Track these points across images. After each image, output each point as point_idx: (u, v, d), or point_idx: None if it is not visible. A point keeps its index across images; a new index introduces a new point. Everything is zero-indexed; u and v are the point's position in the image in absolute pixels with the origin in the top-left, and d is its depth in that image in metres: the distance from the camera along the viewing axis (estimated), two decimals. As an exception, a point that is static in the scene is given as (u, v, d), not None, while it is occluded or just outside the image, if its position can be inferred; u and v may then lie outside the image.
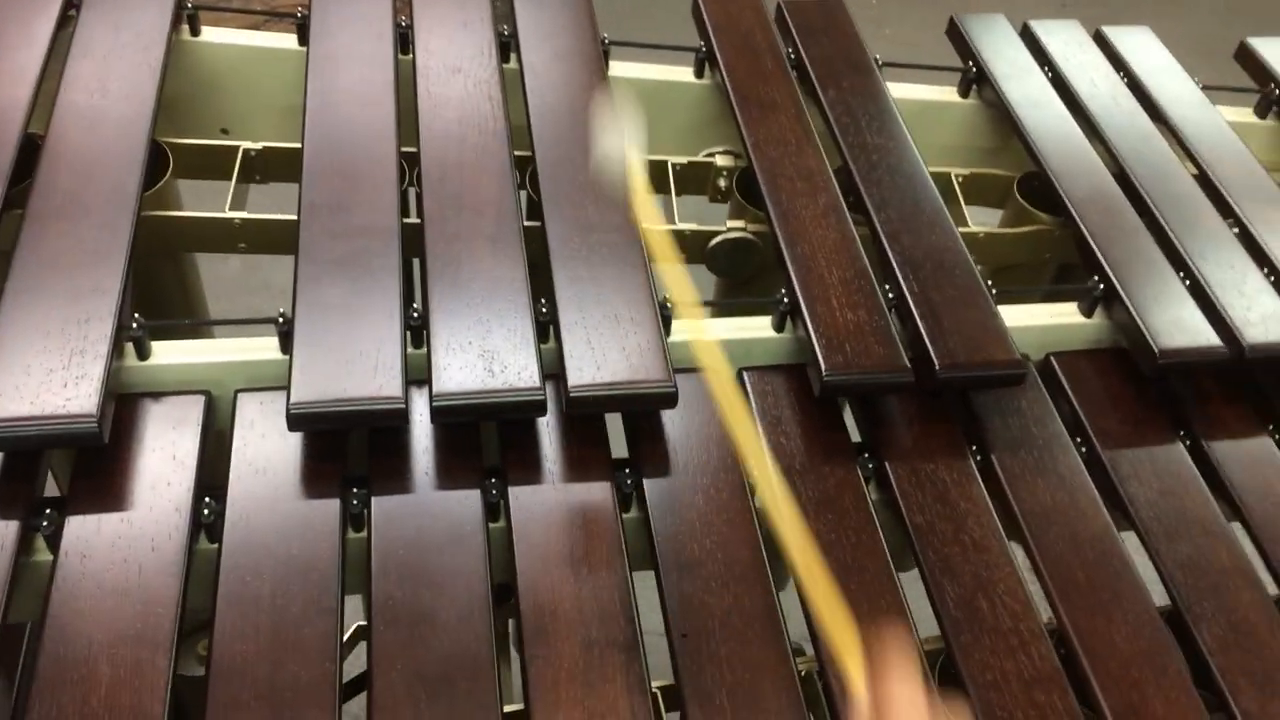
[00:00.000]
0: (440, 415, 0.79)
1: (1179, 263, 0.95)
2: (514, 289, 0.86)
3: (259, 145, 1.04)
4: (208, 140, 1.07)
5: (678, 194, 1.11)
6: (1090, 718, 0.73)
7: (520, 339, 0.82)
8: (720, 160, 1.09)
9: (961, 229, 1.07)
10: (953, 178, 1.10)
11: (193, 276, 1.12)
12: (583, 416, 0.84)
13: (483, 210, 0.92)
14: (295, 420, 0.76)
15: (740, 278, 1.08)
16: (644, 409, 0.84)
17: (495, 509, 0.79)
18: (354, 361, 0.79)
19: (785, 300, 0.89)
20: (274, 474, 0.79)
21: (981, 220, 1.13)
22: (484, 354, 0.81)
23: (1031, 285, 1.15)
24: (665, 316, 0.88)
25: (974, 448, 0.86)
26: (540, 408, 0.79)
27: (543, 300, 0.86)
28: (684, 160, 1.08)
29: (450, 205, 0.92)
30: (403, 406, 0.77)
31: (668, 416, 0.86)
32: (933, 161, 1.13)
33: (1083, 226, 0.97)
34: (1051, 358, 0.93)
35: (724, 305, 0.94)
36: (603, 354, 0.82)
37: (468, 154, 0.97)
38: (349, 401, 0.77)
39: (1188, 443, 0.89)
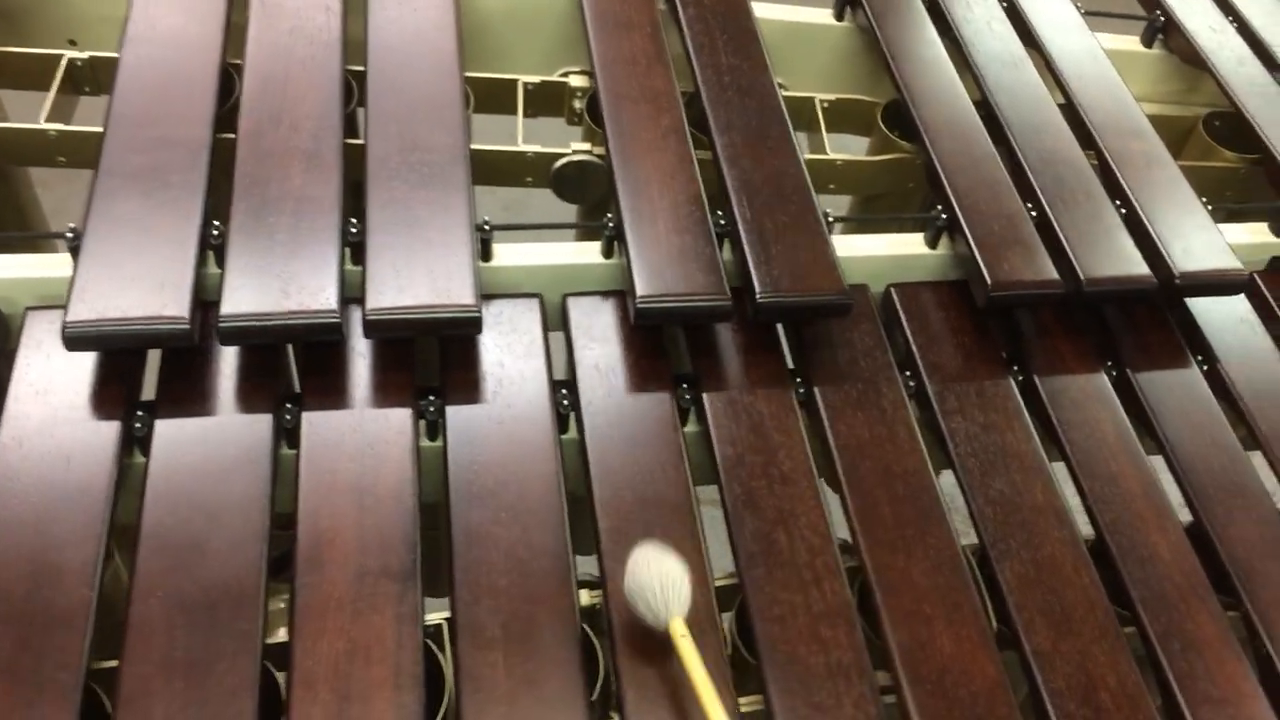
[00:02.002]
0: (227, 337, 0.76)
1: (1028, 193, 0.93)
2: (324, 209, 0.82)
3: (85, 55, 0.99)
4: (41, 49, 1.02)
5: (534, 115, 1.07)
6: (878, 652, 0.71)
7: (323, 260, 0.79)
8: (574, 81, 1.05)
9: (818, 156, 1.04)
10: (816, 103, 1.07)
11: (24, 192, 1.08)
12: (393, 342, 0.82)
13: (300, 126, 0.88)
14: (71, 340, 0.73)
15: (590, 203, 1.05)
16: (450, 334, 0.81)
17: (290, 435, 0.77)
18: (140, 279, 0.76)
19: (610, 225, 0.86)
20: (56, 396, 0.76)
21: (849, 148, 1.09)
22: (281, 275, 0.78)
23: (901, 215, 1.12)
24: (483, 240, 0.85)
25: (799, 380, 0.84)
26: (335, 330, 0.76)
27: (354, 221, 0.83)
28: (536, 80, 1.04)
29: (268, 120, 0.88)
30: (187, 328, 0.74)
31: (485, 344, 0.83)
32: (802, 87, 1.10)
33: (932, 153, 0.94)
34: (891, 289, 0.91)
35: (552, 228, 0.90)
36: (408, 277, 0.79)
37: (294, 67, 0.92)
38: (129, 321, 0.74)
39: (1020, 379, 0.87)
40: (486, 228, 0.84)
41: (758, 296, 0.82)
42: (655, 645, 0.68)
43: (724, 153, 0.92)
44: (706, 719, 0.62)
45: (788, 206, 0.88)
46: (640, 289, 0.81)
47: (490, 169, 0.99)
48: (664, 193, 0.88)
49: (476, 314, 0.78)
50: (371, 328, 0.77)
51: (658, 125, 0.93)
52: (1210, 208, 0.93)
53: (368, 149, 0.87)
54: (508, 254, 0.88)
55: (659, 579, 0.66)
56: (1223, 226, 0.98)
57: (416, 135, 0.89)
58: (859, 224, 1.09)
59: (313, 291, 0.77)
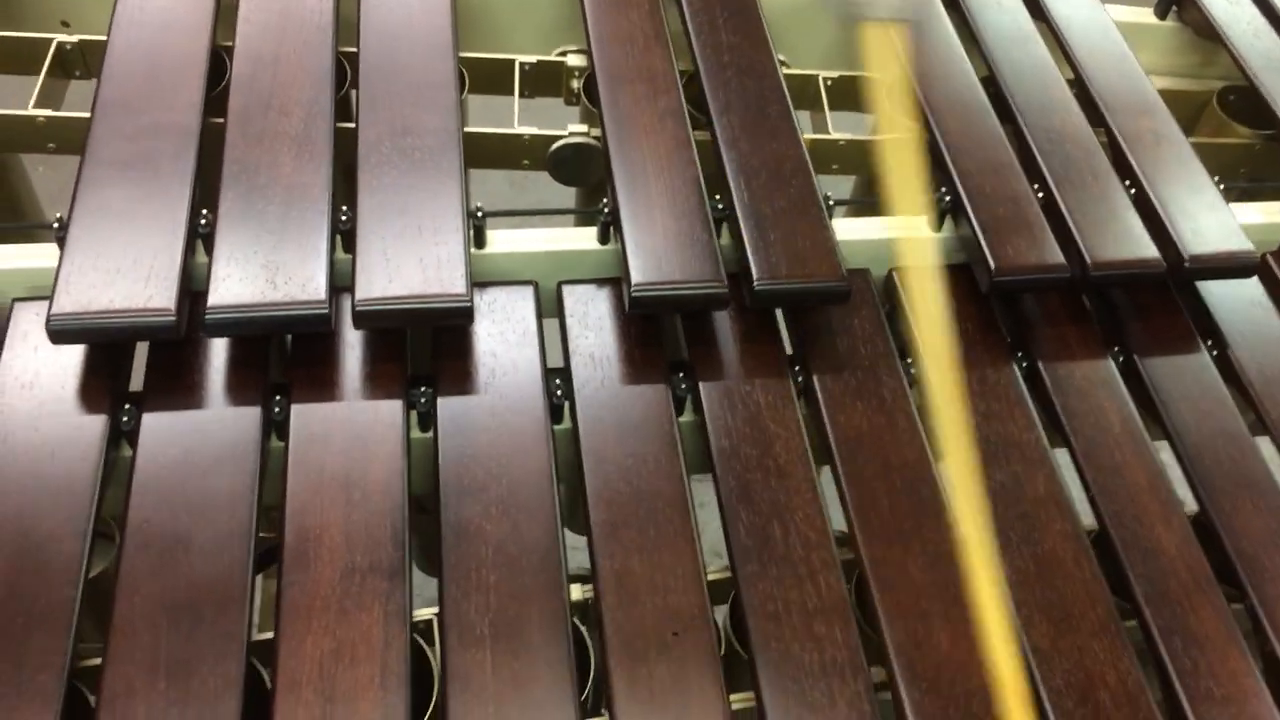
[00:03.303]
0: (214, 329, 0.75)
1: (1035, 174, 0.90)
2: (313, 196, 0.81)
3: (75, 38, 0.98)
4: (29, 33, 1.01)
5: (532, 96, 1.05)
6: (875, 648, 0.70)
7: (311, 249, 0.78)
8: (572, 60, 1.03)
9: (820, 136, 1.02)
10: (819, 81, 1.04)
11: (17, 180, 1.07)
12: (384, 332, 0.80)
13: (290, 111, 0.86)
14: (56, 333, 0.72)
15: (588, 185, 1.03)
16: (440, 324, 0.80)
17: (279, 427, 0.76)
18: (126, 270, 0.75)
19: (606, 211, 0.84)
20: (41, 389, 0.75)
21: (854, 126, 1.07)
22: (268, 265, 0.77)
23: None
24: (476, 228, 0.84)
25: (796, 368, 0.83)
26: (323, 322, 0.75)
27: (344, 209, 0.81)
28: (533, 59, 1.02)
29: (257, 105, 0.87)
30: (173, 320, 0.73)
31: (478, 333, 0.82)
32: (805, 64, 1.08)
33: (936, 132, 0.92)
34: (893, 273, 0.89)
35: (547, 213, 0.89)
36: (397, 266, 0.78)
37: (285, 49, 0.91)
38: (114, 314, 0.73)
39: (1024, 365, 0.85)
40: (479, 214, 0.83)
41: (755, 283, 0.80)
42: (646, 642, 0.67)
43: (722, 135, 0.90)
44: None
45: (787, 190, 0.86)
46: (635, 276, 0.79)
47: (486, 152, 0.98)
48: (660, 177, 0.86)
49: (468, 304, 0.76)
50: (361, 318, 0.76)
51: (655, 107, 0.91)
52: (1222, 187, 0.90)
53: (358, 133, 0.86)
54: (503, 241, 0.86)
55: None
56: (1236, 206, 0.95)
57: (408, 119, 0.87)
58: (862, 206, 1.07)
59: (301, 282, 0.76)
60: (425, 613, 0.73)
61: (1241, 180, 1.08)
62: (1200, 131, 1.11)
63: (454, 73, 0.91)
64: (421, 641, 0.72)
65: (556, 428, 0.79)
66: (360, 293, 0.76)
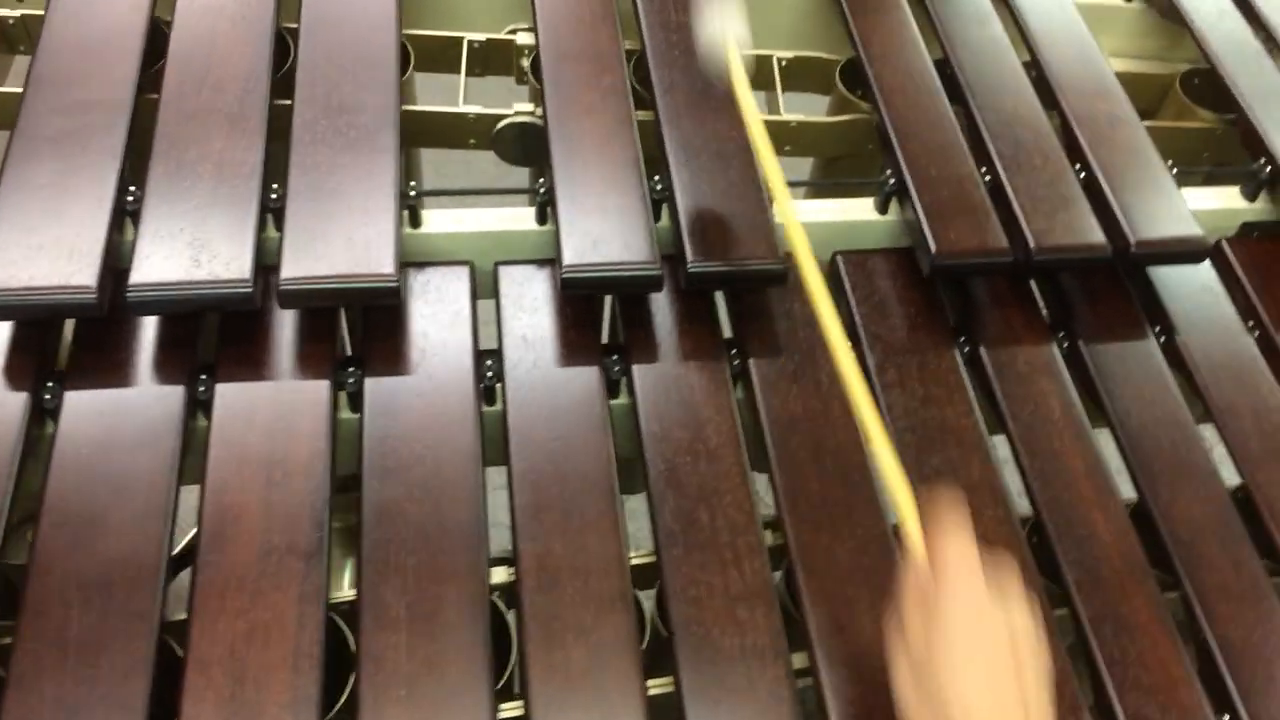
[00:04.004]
0: (137, 308, 0.74)
1: (983, 157, 0.89)
2: (244, 173, 0.80)
3: (18, 13, 0.97)
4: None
5: (482, 75, 1.04)
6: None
7: (239, 227, 0.77)
8: (522, 38, 1.02)
9: (771, 117, 1.01)
10: (774, 61, 1.03)
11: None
12: (314, 311, 0.80)
13: (226, 87, 0.85)
14: (-24, 310, 0.72)
15: (536, 165, 1.02)
16: (367, 304, 0.79)
17: (205, 406, 0.75)
18: (49, 247, 0.74)
19: (544, 190, 0.83)
20: (-36, 366, 0.74)
21: (811, 108, 1.06)
22: (194, 242, 0.76)
23: (863, 178, 1.08)
24: (410, 207, 0.83)
25: (734, 352, 0.82)
26: (247, 301, 0.74)
27: (275, 186, 0.80)
28: (482, 37, 1.01)
29: (191, 80, 0.85)
30: (94, 298, 0.72)
31: (411, 313, 0.81)
32: (761, 44, 1.06)
33: (884, 114, 0.90)
34: (837, 256, 0.88)
35: (484, 193, 0.87)
36: (325, 245, 0.77)
37: (224, 24, 0.90)
38: (36, 291, 0.72)
39: (966, 350, 0.84)
40: (412, 193, 0.82)
41: (689, 264, 0.79)
42: (564, 626, 0.66)
43: (665, 114, 0.88)
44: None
45: (728, 171, 0.85)
46: (567, 257, 0.78)
47: (431, 131, 0.97)
48: (600, 156, 0.85)
49: (395, 284, 0.75)
50: (286, 298, 0.75)
51: (599, 85, 0.90)
52: (1176, 171, 0.89)
53: (294, 111, 0.85)
54: (439, 220, 0.85)
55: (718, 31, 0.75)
56: (1194, 191, 0.94)
57: (345, 97, 0.86)
58: (812, 188, 1.05)
59: (225, 260, 0.75)
60: (349, 594, 0.72)
61: (1204, 165, 1.07)
62: (1163, 115, 1.09)
63: (395, 50, 0.90)
64: (343, 624, 0.72)
65: (489, 410, 0.78)
66: (286, 271, 0.75)
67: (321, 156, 0.82)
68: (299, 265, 0.75)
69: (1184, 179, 0.94)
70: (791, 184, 0.89)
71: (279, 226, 0.80)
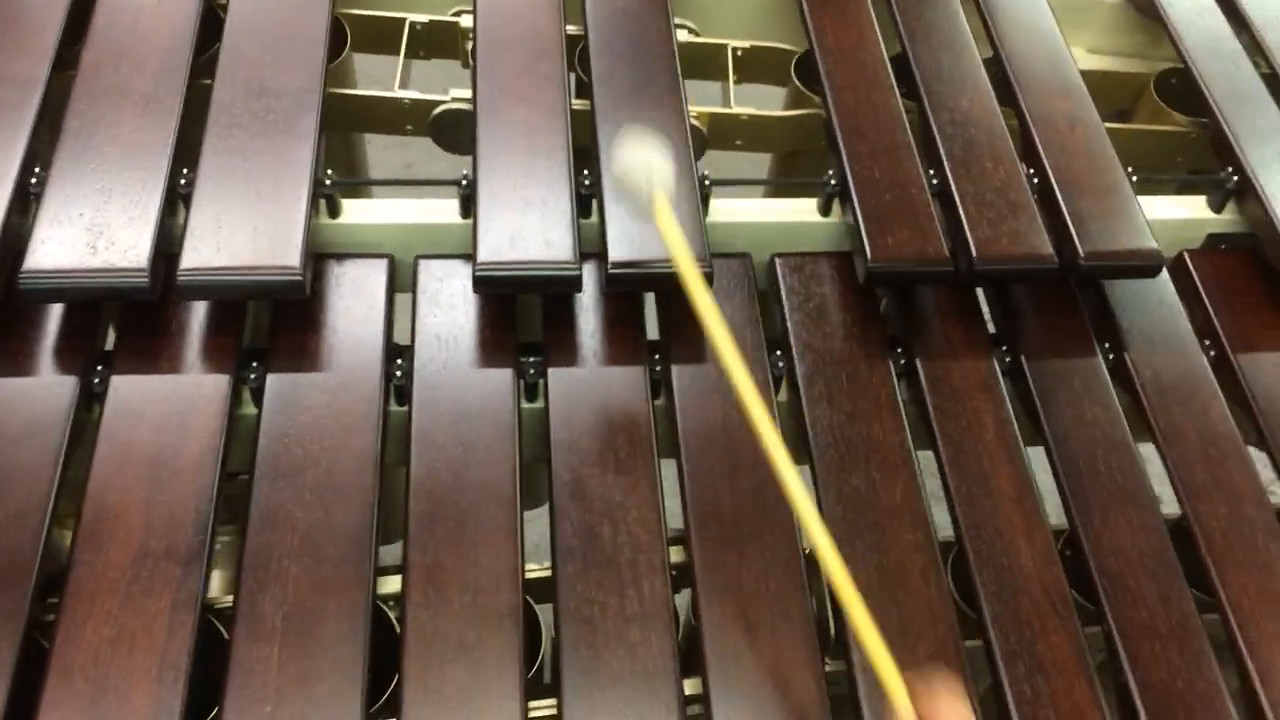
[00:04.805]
0: (30, 296, 0.71)
1: (933, 159, 0.85)
2: (152, 157, 0.77)
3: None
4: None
5: (428, 57, 1.01)
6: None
7: (140, 213, 0.74)
8: (466, 20, 0.98)
9: (719, 110, 0.97)
10: (729, 51, 0.99)
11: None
12: (219, 303, 0.77)
13: (144, 65, 0.83)
14: None
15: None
16: (267, 298, 0.76)
17: (100, 399, 0.73)
18: (-60, 231, 0.72)
19: (465, 183, 0.80)
20: None
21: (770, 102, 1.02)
22: (92, 228, 0.73)
23: (790, 179, 1.04)
24: (326, 196, 0.80)
25: (657, 356, 0.78)
26: (143, 291, 0.72)
27: (185, 171, 0.78)
28: (425, 19, 0.97)
29: (110, 58, 0.83)
30: (-17, 284, 0.70)
31: (322, 306, 0.78)
32: (719, 33, 1.02)
33: (832, 110, 0.86)
34: (775, 259, 0.84)
35: (399, 184, 0.84)
36: (229, 234, 0.74)
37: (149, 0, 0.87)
38: (-80, 275, 0.70)
39: (902, 362, 0.80)
40: (329, 182, 0.79)
41: (609, 264, 0.76)
42: (446, 643, 0.64)
43: (600, 104, 0.85)
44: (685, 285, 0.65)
45: (661, 166, 0.81)
46: (481, 254, 0.75)
47: (367, 116, 0.94)
48: (527, 147, 0.81)
49: (298, 277, 0.73)
50: (184, 290, 0.72)
51: (534, 73, 0.86)
52: (1137, 178, 0.85)
53: (213, 92, 0.82)
54: (358, 211, 0.82)
55: (643, 160, 0.68)
56: (1157, 200, 0.90)
57: (267, 79, 0.83)
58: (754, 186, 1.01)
59: (123, 248, 0.72)
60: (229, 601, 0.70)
61: (1178, 171, 1.02)
62: (1138, 118, 1.05)
63: (325, 31, 0.87)
64: (225, 632, 0.69)
65: (398, 410, 0.76)
66: (185, 261, 0.72)
67: (236, 141, 0.79)
68: (199, 255, 0.73)
69: (1155, 186, 0.90)
70: (742, 182, 0.86)
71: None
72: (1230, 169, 0.87)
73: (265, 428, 0.72)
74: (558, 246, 0.76)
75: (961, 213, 0.81)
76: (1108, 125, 0.89)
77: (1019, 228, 0.81)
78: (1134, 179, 0.84)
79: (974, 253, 0.79)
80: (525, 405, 0.76)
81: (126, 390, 0.72)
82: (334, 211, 0.81)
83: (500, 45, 0.88)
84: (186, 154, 0.79)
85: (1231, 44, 0.96)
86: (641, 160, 0.68)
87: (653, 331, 0.80)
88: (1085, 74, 0.92)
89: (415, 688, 0.62)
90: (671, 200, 0.68)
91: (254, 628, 0.64)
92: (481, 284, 0.75)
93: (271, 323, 0.77)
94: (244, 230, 0.74)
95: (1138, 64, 1.08)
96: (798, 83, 0.99)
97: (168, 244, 0.75)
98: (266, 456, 0.70)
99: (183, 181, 0.77)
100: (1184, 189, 0.96)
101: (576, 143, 0.84)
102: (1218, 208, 0.88)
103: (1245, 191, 0.86)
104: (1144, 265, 0.81)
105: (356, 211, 0.82)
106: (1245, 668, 0.68)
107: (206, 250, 0.73)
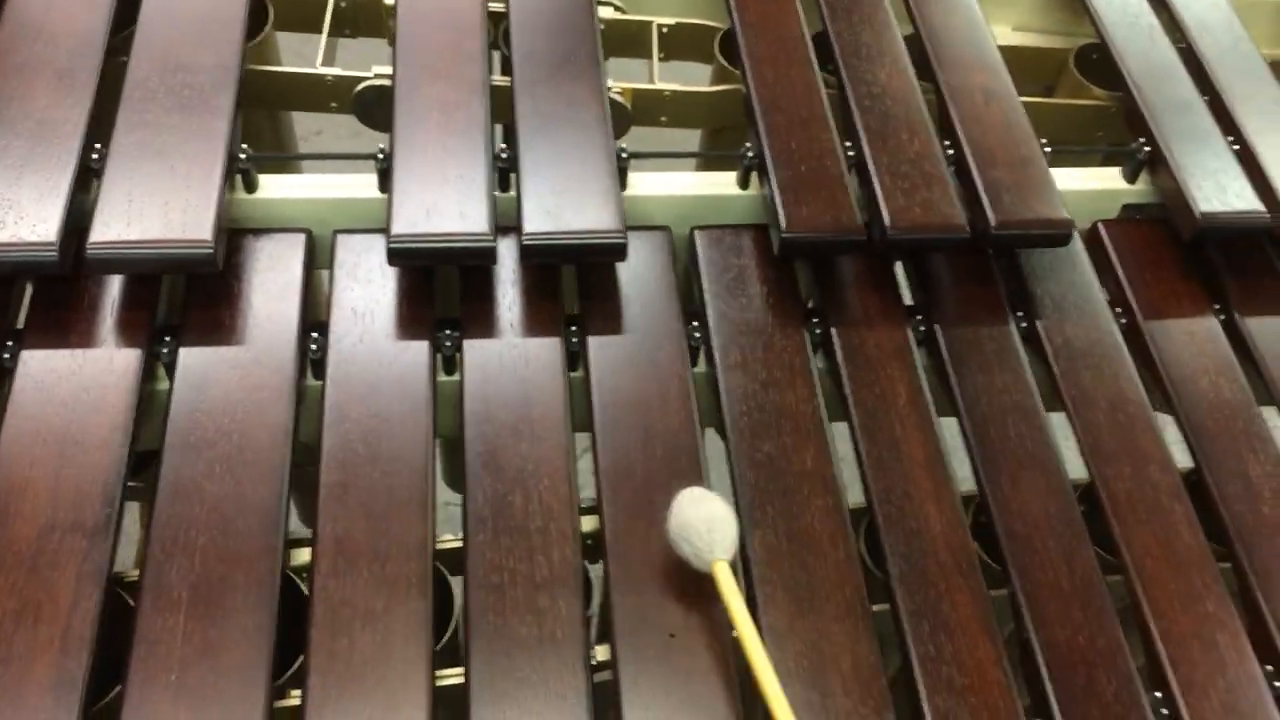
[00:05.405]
0: (-65, 270, 0.71)
1: (850, 131, 0.86)
2: (65, 132, 0.77)
3: None
4: None
5: (354, 35, 1.01)
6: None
7: (51, 189, 0.74)
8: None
9: (643, 86, 0.97)
10: (654, 27, 0.99)
11: None
12: (135, 276, 0.77)
13: (59, 40, 0.82)
14: None
15: (402, 130, 0.99)
16: (182, 272, 0.76)
17: (9, 374, 0.72)
18: None
19: (382, 157, 0.80)
20: None
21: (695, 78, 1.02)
22: (2, 203, 0.73)
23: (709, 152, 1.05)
24: (241, 170, 0.80)
25: (574, 328, 0.79)
26: (52, 266, 0.72)
27: (98, 147, 0.77)
28: (348, -4, 0.97)
29: (26, 32, 0.82)
30: (-116, 260, 0.70)
31: (237, 281, 0.78)
32: (645, 9, 1.03)
33: (751, 84, 0.87)
34: (694, 231, 0.85)
35: (321, 159, 0.84)
36: (141, 208, 0.74)
37: (65, -24, 0.86)
38: None
39: (818, 332, 0.81)
40: (244, 156, 0.79)
41: (523, 235, 0.76)
42: (353, 612, 0.64)
43: (520, 80, 0.85)
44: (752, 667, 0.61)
45: (578, 140, 0.82)
46: (395, 226, 0.75)
47: (290, 94, 0.93)
48: (446, 124, 0.82)
49: (209, 250, 0.73)
50: (93, 263, 0.72)
51: (456, 49, 0.87)
52: (1050, 150, 0.86)
53: (128, 68, 0.82)
54: (277, 186, 0.82)
55: (705, 520, 0.65)
56: (1073, 171, 0.91)
57: (182, 55, 0.83)
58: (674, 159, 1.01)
59: (32, 222, 0.72)
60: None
61: (1100, 144, 1.03)
62: (1060, 92, 1.06)
63: (244, 7, 0.86)
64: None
65: (315, 384, 0.76)
66: (95, 235, 0.72)
67: (150, 116, 0.79)
68: (110, 229, 0.72)
69: (1077, 159, 0.91)
70: (662, 155, 0.87)
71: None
72: (1142, 140, 0.88)
73: (176, 401, 0.72)
74: (473, 219, 0.76)
75: (876, 184, 0.82)
76: (1028, 100, 0.91)
77: (933, 198, 0.82)
78: (1048, 151, 0.86)
79: (887, 222, 0.80)
80: (443, 378, 0.77)
81: (36, 365, 0.72)
82: (250, 186, 0.81)
83: (422, 22, 0.88)
84: (102, 131, 0.79)
85: (1149, 19, 0.97)
86: (704, 521, 0.65)
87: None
88: (1007, 50, 0.94)
89: (321, 655, 0.63)
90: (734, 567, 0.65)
91: (160, 599, 0.64)
92: (396, 256, 0.75)
93: (186, 298, 0.77)
94: (155, 204, 0.74)
95: (1060, 40, 1.09)
96: (721, 59, 1.00)
97: (80, 219, 0.75)
98: (177, 430, 0.70)
99: (95, 157, 0.77)
100: (1107, 161, 0.97)
101: (497, 119, 0.85)
102: (1131, 178, 0.89)
103: (1156, 162, 0.88)
104: (1055, 234, 0.82)
105: (275, 187, 0.82)
106: (1147, 625, 0.69)
107: (117, 224, 0.73)
